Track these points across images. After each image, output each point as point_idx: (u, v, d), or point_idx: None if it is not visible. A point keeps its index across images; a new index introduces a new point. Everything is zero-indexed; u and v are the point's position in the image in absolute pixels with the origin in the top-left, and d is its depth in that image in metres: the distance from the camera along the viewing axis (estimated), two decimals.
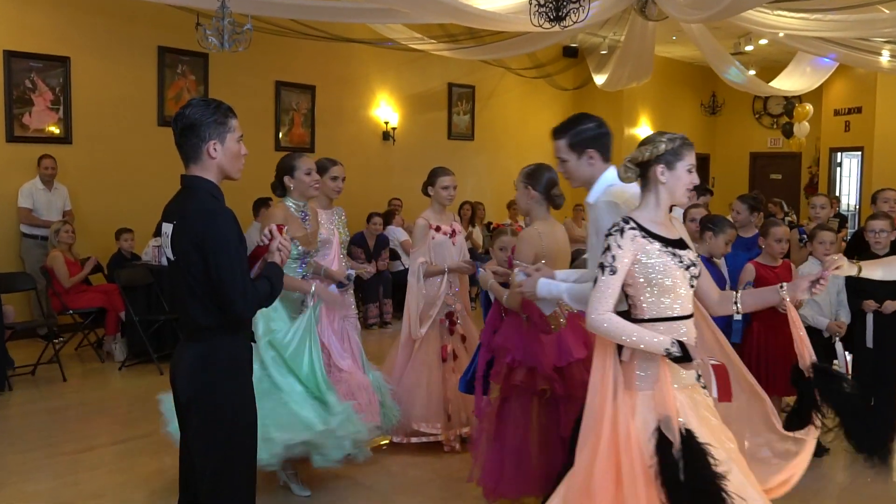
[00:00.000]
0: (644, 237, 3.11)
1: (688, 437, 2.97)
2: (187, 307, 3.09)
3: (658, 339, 3.04)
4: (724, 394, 3.27)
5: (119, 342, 8.75)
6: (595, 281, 3.12)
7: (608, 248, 3.10)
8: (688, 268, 3.17)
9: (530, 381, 4.15)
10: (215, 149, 3.09)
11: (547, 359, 4.10)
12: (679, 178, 3.18)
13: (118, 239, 9.31)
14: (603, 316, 3.07)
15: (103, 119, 10.25)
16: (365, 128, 13.40)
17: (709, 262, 5.26)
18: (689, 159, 3.18)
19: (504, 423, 4.23)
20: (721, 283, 5.34)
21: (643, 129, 17.89)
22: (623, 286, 3.14)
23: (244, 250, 3.08)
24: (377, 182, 12.61)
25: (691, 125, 19.38)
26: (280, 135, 12.19)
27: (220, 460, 3.09)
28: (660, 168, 3.19)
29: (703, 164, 19.91)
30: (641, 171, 3.23)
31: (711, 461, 2.92)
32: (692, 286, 3.21)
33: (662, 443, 2.96)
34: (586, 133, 3.71)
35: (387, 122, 13.66)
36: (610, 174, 3.61)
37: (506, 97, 15.98)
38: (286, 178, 4.95)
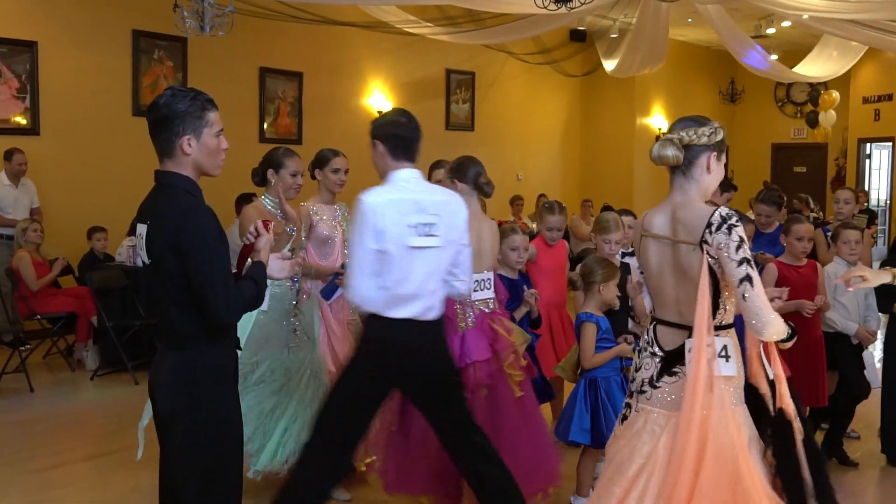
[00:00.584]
0: None
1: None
2: (166, 313, 3.09)
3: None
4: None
5: (91, 350, 8.75)
6: (751, 283, 2.95)
7: (743, 242, 2.98)
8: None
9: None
10: (190, 144, 3.06)
11: (471, 354, 4.35)
12: (721, 172, 3.16)
13: (90, 238, 9.32)
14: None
15: (74, 109, 10.26)
16: (357, 118, 13.41)
17: None
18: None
19: (407, 418, 4.33)
20: None
21: (656, 118, 17.92)
22: (721, 288, 3.06)
23: (226, 250, 3.08)
24: (370, 176, 12.53)
25: (709, 114, 19.21)
26: (265, 126, 12.20)
27: (204, 477, 3.09)
28: (712, 156, 3.12)
29: None
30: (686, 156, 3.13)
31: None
32: None
33: (781, 442, 3.00)
34: (381, 124, 4.00)
35: (380, 112, 13.64)
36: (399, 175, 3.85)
37: (508, 85, 15.98)
38: (270, 172, 4.99)
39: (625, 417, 3.27)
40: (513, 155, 16.23)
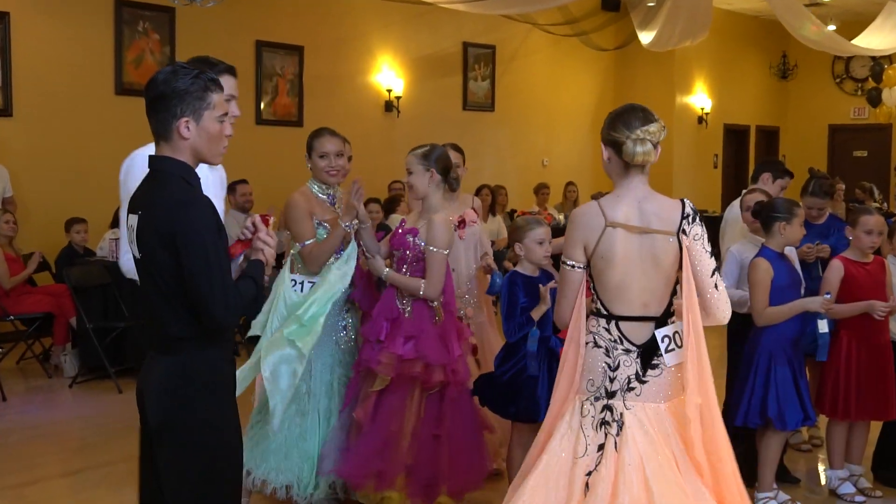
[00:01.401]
0: None
1: None
2: (157, 314, 3.11)
3: None
4: None
5: (69, 354, 8.80)
6: (720, 273, 3.58)
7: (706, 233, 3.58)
8: None
9: (427, 375, 4.83)
10: (188, 127, 3.06)
11: (440, 353, 4.84)
12: None
13: (68, 231, 9.36)
14: None
15: (50, 87, 10.31)
16: (363, 97, 13.42)
17: (780, 258, 5.23)
18: None
19: (381, 415, 4.82)
20: (796, 283, 5.28)
21: (698, 97, 17.86)
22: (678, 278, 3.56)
23: (224, 245, 3.10)
24: (377, 162, 12.61)
25: (758, 92, 19.33)
26: (262, 105, 12.24)
27: (197, 495, 3.11)
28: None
29: (771, 140, 19.86)
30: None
31: None
32: None
33: None
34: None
35: (389, 91, 13.68)
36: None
37: (532, 59, 15.96)
38: (307, 158, 5.15)
39: (604, 422, 3.44)
40: (537, 138, 16.20)
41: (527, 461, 3.54)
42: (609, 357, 3.45)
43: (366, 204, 10.45)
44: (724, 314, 3.51)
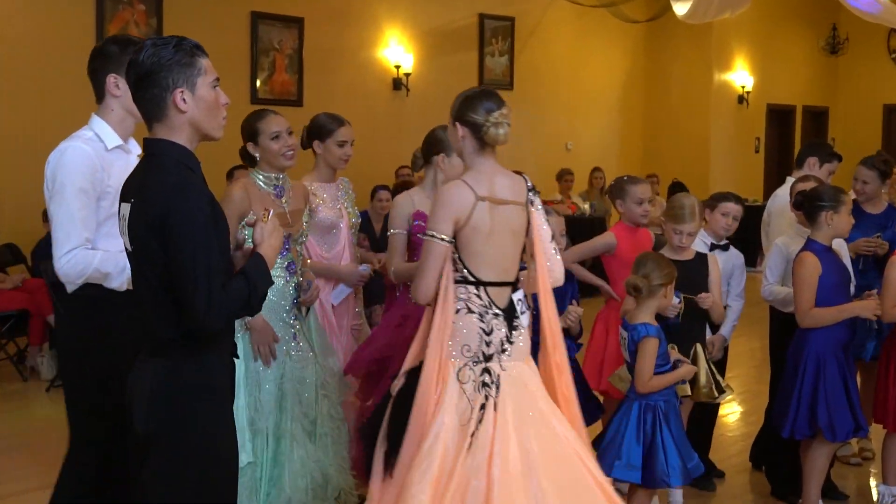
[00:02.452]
0: None
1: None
2: (146, 313, 3.12)
3: None
4: None
5: (47, 355, 8.83)
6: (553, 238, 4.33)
7: None
8: None
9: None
10: (184, 99, 3.07)
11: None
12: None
13: (46, 221, 9.38)
14: None
15: (24, 63, 10.33)
16: (369, 74, 13.41)
17: (828, 251, 5.18)
18: None
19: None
20: (846, 281, 5.23)
21: (739, 74, 17.79)
22: None
23: (223, 241, 3.09)
24: (385, 145, 12.62)
25: (805, 69, 19.24)
26: (258, 83, 12.23)
27: None
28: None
29: (819, 121, 19.78)
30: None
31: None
32: None
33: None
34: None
35: (398, 67, 13.67)
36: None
37: (555, 33, 15.92)
38: (250, 146, 4.95)
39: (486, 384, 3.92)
40: (560, 120, 16.16)
41: (414, 431, 3.87)
42: (483, 322, 3.95)
43: (374, 192, 10.54)
44: (559, 277, 4.21)
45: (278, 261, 4.86)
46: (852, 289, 5.33)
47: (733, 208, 5.75)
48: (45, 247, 9.15)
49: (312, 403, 4.93)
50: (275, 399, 4.81)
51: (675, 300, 4.85)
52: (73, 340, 4.05)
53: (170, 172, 3.05)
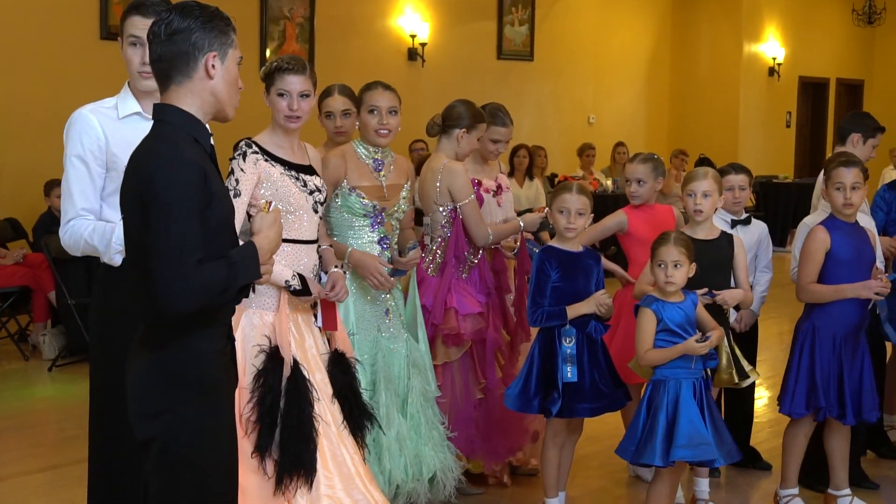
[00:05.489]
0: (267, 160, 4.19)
1: (295, 368, 4.01)
2: (136, 294, 3.04)
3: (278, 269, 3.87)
4: (329, 323, 4.33)
5: (49, 333, 8.86)
6: None
7: (231, 172, 4.16)
8: (311, 193, 4.27)
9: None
10: (214, 65, 3.05)
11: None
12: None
13: (48, 195, 9.39)
14: None
15: (26, 32, 10.33)
16: (383, 43, 13.37)
17: (847, 227, 5.12)
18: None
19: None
20: (862, 260, 5.16)
21: (770, 44, 17.68)
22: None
23: (216, 218, 3.01)
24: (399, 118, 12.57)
25: (839, 40, 19.10)
26: (267, 52, 12.21)
27: None
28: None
29: (854, 93, 19.68)
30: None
31: (311, 399, 3.99)
32: (316, 211, 4.30)
33: (268, 371, 3.97)
34: None
35: (413, 36, 13.63)
36: None
37: (578, 2, 15.84)
38: (356, 115, 5.16)
39: None
40: (583, 92, 16.10)
41: None
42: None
43: None
44: None
45: (371, 234, 4.96)
46: (879, 271, 5.27)
47: (734, 179, 5.68)
48: (46, 221, 9.20)
49: (403, 381, 5.00)
50: (367, 375, 4.88)
51: (708, 299, 4.81)
52: (95, 316, 4.04)
53: (166, 141, 2.99)
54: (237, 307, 3.30)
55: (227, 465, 3.19)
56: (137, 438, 3.09)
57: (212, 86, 3.06)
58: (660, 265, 4.60)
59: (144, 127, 3.45)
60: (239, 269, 3.00)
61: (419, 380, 5.05)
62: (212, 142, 3.18)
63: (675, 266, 4.58)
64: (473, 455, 5.48)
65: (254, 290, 3.46)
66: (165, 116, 3.06)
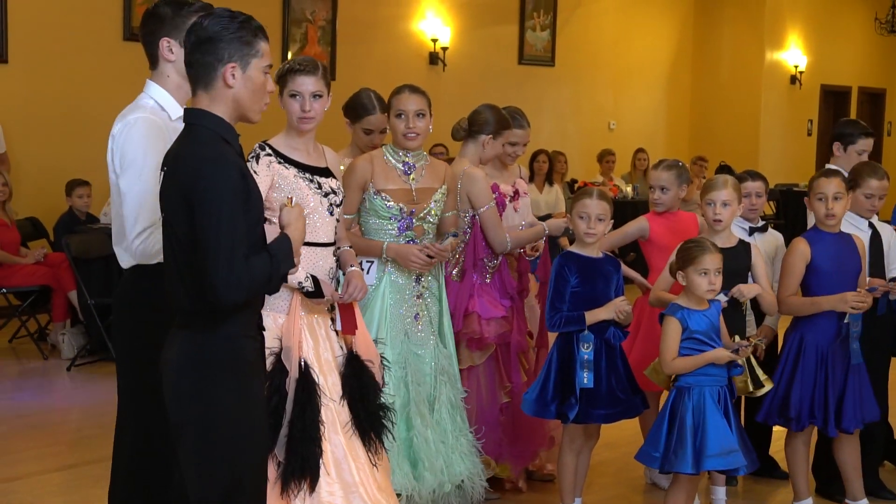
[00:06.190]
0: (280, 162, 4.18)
1: (305, 372, 4.00)
2: (173, 283, 3.23)
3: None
4: (348, 327, 4.28)
5: (68, 333, 8.88)
6: None
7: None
8: (326, 195, 4.24)
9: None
10: (234, 75, 3.20)
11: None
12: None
13: (69, 195, 9.43)
14: None
15: (50, 31, 10.36)
16: (405, 47, 13.38)
17: (829, 238, 5.11)
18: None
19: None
20: (846, 271, 5.12)
21: (792, 52, 17.62)
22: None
23: (254, 217, 3.18)
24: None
25: (861, 48, 19.01)
26: (289, 55, 12.23)
27: (220, 494, 3.20)
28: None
29: (876, 102, 19.58)
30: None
31: (318, 402, 3.99)
32: (332, 213, 4.26)
33: (276, 372, 3.95)
34: None
35: (435, 40, 13.63)
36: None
37: (600, 6, 15.82)
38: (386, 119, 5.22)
39: None
40: (604, 98, 16.07)
41: None
42: None
43: None
44: None
45: (398, 238, 4.99)
46: (868, 282, 5.25)
47: (751, 186, 5.68)
48: (67, 221, 9.23)
49: (430, 387, 5.03)
50: (398, 378, 4.91)
51: (723, 297, 4.79)
52: (121, 315, 4.05)
53: (205, 143, 3.18)
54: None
55: (256, 442, 3.28)
56: (171, 421, 3.23)
57: (232, 94, 3.23)
58: (703, 273, 4.61)
59: None
60: (280, 261, 3.23)
61: (447, 387, 5.07)
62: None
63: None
64: (502, 459, 5.48)
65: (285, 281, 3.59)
66: (197, 120, 3.24)
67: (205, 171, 3.10)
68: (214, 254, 3.05)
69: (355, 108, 5.48)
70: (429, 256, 4.90)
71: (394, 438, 4.62)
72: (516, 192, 5.76)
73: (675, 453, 4.52)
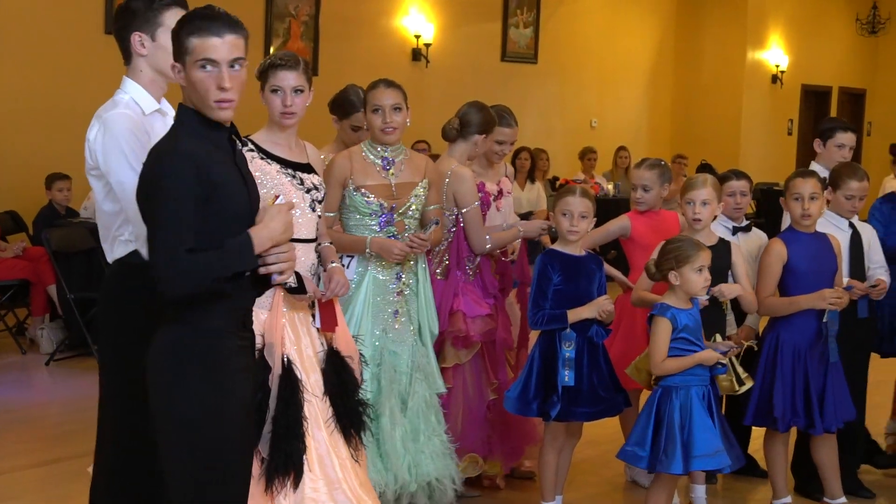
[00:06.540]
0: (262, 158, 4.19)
1: (288, 368, 3.97)
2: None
3: None
4: (328, 323, 4.27)
5: (47, 327, 8.87)
6: None
7: None
8: (308, 191, 4.24)
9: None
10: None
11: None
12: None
13: (49, 188, 9.40)
14: None
15: (30, 25, 10.31)
16: (388, 43, 13.36)
17: (805, 238, 5.14)
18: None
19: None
20: (822, 271, 5.14)
21: (773, 52, 17.67)
22: None
23: (215, 209, 3.13)
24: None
25: (842, 49, 19.09)
26: (271, 51, 12.20)
27: (194, 488, 3.18)
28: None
29: (857, 102, 19.67)
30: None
31: (301, 398, 3.95)
32: (314, 209, 4.26)
33: (260, 368, 3.87)
34: None
35: (418, 37, 13.62)
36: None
37: (583, 4, 15.84)
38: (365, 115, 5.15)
39: None
40: (587, 96, 16.09)
41: None
42: None
43: None
44: None
45: (380, 235, 4.97)
46: (847, 282, 5.28)
47: (736, 185, 5.69)
48: (47, 214, 9.19)
49: (406, 384, 5.00)
50: (372, 375, 4.90)
51: (703, 296, 4.80)
52: (105, 310, 3.99)
53: (169, 136, 3.20)
54: None
55: (236, 447, 3.26)
56: (150, 413, 3.22)
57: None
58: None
59: (164, 121, 3.81)
60: (231, 258, 3.12)
61: (422, 385, 5.05)
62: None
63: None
64: (491, 456, 5.49)
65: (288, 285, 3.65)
66: (177, 115, 3.28)
67: (156, 163, 3.11)
68: (157, 246, 3.06)
69: (343, 105, 5.48)
70: (411, 246, 4.91)
71: (372, 434, 4.62)
72: (500, 192, 5.76)
73: (665, 454, 4.52)
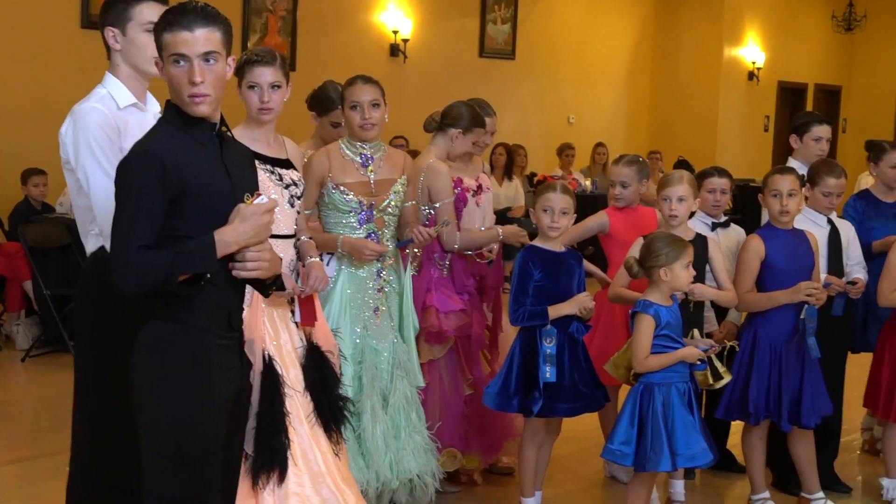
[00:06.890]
0: None
1: (269, 364, 3.96)
2: None
3: None
4: (308, 318, 4.30)
5: (23, 323, 8.83)
6: None
7: None
8: (287, 187, 4.25)
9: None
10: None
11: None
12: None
13: (25, 183, 9.35)
14: None
15: (6, 20, 10.24)
16: (366, 38, 13.34)
17: (782, 234, 5.16)
18: None
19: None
20: (799, 266, 5.16)
21: (750, 49, 17.73)
22: None
23: (180, 207, 3.12)
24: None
25: (818, 46, 19.17)
26: (248, 45, 12.16)
27: (173, 486, 3.18)
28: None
29: (832, 99, 19.75)
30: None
31: (283, 393, 3.95)
32: (292, 205, 4.27)
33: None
34: None
35: (396, 32, 13.60)
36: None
37: (561, 1, 15.85)
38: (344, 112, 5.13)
39: None
40: (564, 92, 16.11)
41: None
42: None
43: None
44: None
45: (359, 231, 4.95)
46: (822, 277, 5.31)
47: (717, 182, 5.71)
48: (23, 210, 9.14)
49: (387, 381, 4.99)
50: (352, 372, 4.88)
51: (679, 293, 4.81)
52: (82, 306, 3.97)
53: (146, 136, 3.22)
54: None
55: (217, 442, 3.25)
56: (133, 403, 3.23)
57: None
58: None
59: (142, 116, 3.84)
60: (185, 259, 3.09)
61: (403, 382, 5.03)
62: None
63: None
64: (469, 451, 5.51)
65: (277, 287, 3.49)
66: (163, 109, 3.34)
67: (125, 161, 3.13)
68: (112, 242, 3.11)
69: (322, 101, 5.46)
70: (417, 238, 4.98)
71: (353, 429, 4.61)
72: (479, 187, 5.75)
73: (654, 451, 4.53)
